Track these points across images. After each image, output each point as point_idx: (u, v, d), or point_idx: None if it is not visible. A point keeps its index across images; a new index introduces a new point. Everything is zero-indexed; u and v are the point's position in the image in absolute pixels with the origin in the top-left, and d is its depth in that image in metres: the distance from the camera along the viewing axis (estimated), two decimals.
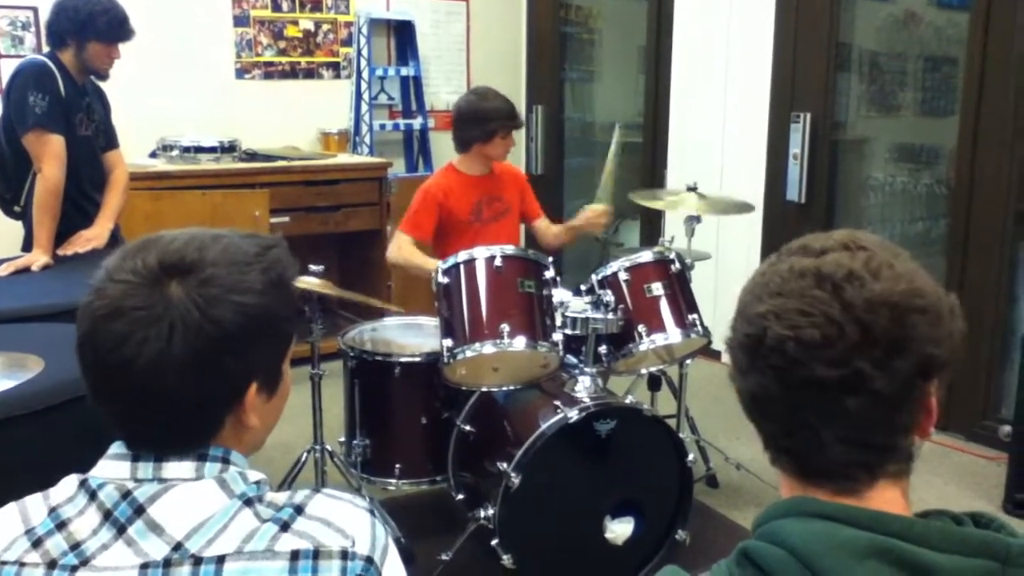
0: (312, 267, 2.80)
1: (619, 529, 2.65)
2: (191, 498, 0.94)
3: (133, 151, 4.12)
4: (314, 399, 2.98)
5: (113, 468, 0.96)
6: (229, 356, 0.95)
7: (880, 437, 0.88)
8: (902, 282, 0.86)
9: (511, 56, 5.98)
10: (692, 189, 3.34)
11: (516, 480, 2.51)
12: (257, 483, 0.98)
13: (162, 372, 0.93)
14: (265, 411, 1.03)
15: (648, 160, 5.23)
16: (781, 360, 0.86)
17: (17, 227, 3.27)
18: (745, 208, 3.48)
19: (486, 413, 2.87)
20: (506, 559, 2.56)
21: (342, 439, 3.08)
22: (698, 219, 3.32)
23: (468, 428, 2.84)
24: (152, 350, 0.92)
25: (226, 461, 0.98)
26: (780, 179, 4.43)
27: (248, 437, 1.03)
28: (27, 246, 3.16)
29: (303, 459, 3.04)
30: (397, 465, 2.95)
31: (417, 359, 2.91)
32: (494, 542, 2.57)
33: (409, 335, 3.18)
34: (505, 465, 2.54)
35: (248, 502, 0.95)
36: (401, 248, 3.31)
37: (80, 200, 3.24)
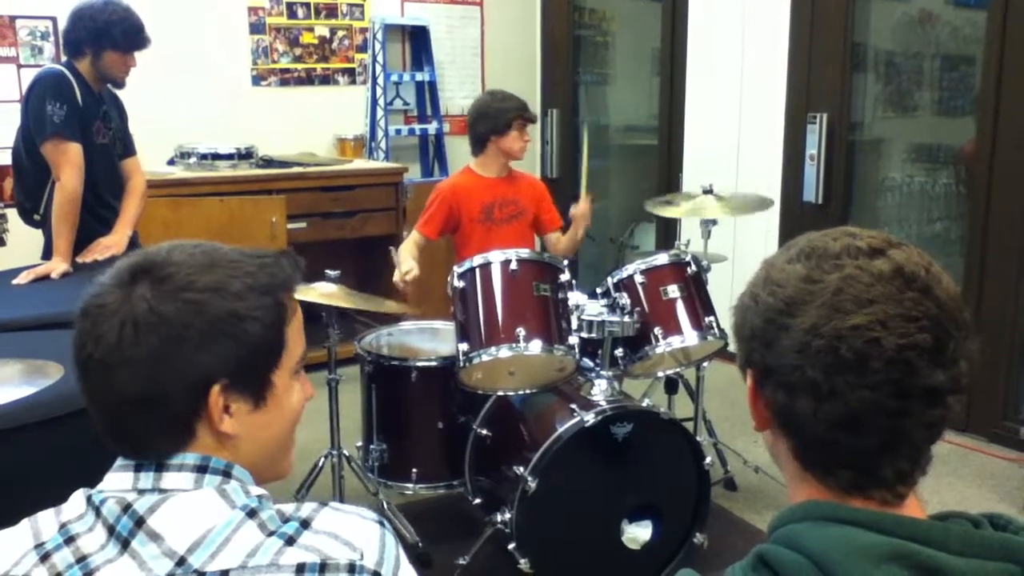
0: (329, 272, 2.81)
1: (637, 533, 2.65)
2: (190, 507, 0.92)
3: (151, 159, 4.15)
4: (331, 404, 2.99)
5: (117, 480, 0.96)
6: (178, 355, 0.94)
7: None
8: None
9: (526, 60, 5.99)
10: (708, 191, 3.33)
11: (533, 484, 2.50)
12: (259, 496, 0.96)
13: (114, 369, 0.93)
14: (252, 422, 1.00)
15: (664, 162, 5.21)
16: (900, 371, 0.82)
17: (37, 235, 3.29)
18: (764, 204, 3.45)
19: (502, 417, 2.87)
20: (523, 563, 2.56)
21: (359, 444, 3.09)
22: (714, 221, 3.30)
23: (484, 432, 2.84)
24: (104, 346, 0.93)
25: (227, 474, 0.97)
26: (797, 180, 4.42)
27: (242, 453, 1.00)
28: (47, 254, 3.18)
29: (320, 464, 3.05)
30: (414, 469, 2.95)
31: (433, 363, 2.92)
32: (511, 546, 2.56)
33: (425, 339, 3.19)
34: (522, 469, 2.54)
35: (251, 513, 0.93)
36: (404, 244, 3.37)
37: (98, 208, 3.27)
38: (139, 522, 0.91)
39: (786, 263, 0.90)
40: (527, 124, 3.40)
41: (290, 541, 0.92)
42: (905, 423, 0.84)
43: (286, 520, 0.94)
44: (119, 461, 0.98)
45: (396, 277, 3.17)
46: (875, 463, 0.86)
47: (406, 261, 3.21)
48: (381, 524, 0.98)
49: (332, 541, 0.93)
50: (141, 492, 0.94)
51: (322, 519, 0.95)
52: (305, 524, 0.94)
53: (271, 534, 0.92)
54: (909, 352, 0.82)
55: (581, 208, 3.45)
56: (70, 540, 0.92)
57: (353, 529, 0.95)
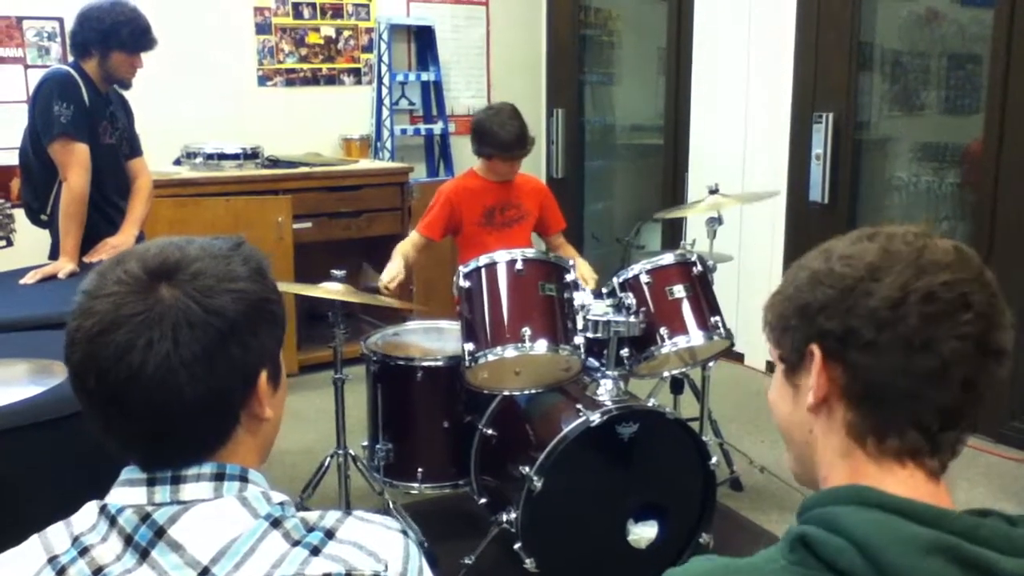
0: (334, 272, 2.81)
1: (642, 533, 2.64)
2: (212, 517, 0.91)
3: (157, 159, 4.16)
4: (337, 404, 2.99)
5: (130, 494, 0.93)
6: (237, 346, 0.93)
7: None
8: None
9: (531, 60, 5.99)
10: (714, 191, 3.32)
11: (538, 484, 2.50)
12: (281, 504, 0.96)
13: (174, 374, 0.90)
14: (274, 404, 1.01)
15: (669, 162, 5.21)
16: (983, 326, 0.87)
17: (44, 235, 3.31)
18: (770, 194, 3.46)
19: (508, 417, 2.87)
20: (529, 563, 2.56)
21: (365, 443, 3.09)
22: (720, 220, 3.30)
23: (490, 432, 2.84)
24: (160, 353, 0.89)
25: (244, 479, 0.95)
26: (803, 180, 4.41)
27: (262, 435, 1.01)
28: (54, 254, 3.20)
29: (326, 464, 3.05)
30: (419, 469, 2.95)
31: (439, 363, 2.92)
32: (517, 546, 2.56)
33: (431, 339, 3.19)
34: (527, 469, 2.54)
35: (275, 523, 0.93)
36: (402, 244, 3.36)
37: (105, 208, 3.28)
38: (159, 532, 0.90)
39: (850, 245, 0.93)
40: (510, 159, 3.31)
41: (315, 551, 0.91)
42: (980, 380, 0.88)
43: (310, 529, 0.94)
44: (126, 475, 0.95)
45: (380, 284, 3.17)
46: (944, 422, 0.89)
47: (394, 264, 3.21)
48: (404, 534, 0.98)
49: (357, 551, 0.93)
50: (158, 505, 0.92)
51: (346, 529, 0.95)
52: (330, 534, 0.94)
53: (296, 544, 0.92)
54: (990, 310, 0.88)
55: (588, 275, 3.28)
56: (84, 552, 0.90)
57: (377, 539, 0.95)
